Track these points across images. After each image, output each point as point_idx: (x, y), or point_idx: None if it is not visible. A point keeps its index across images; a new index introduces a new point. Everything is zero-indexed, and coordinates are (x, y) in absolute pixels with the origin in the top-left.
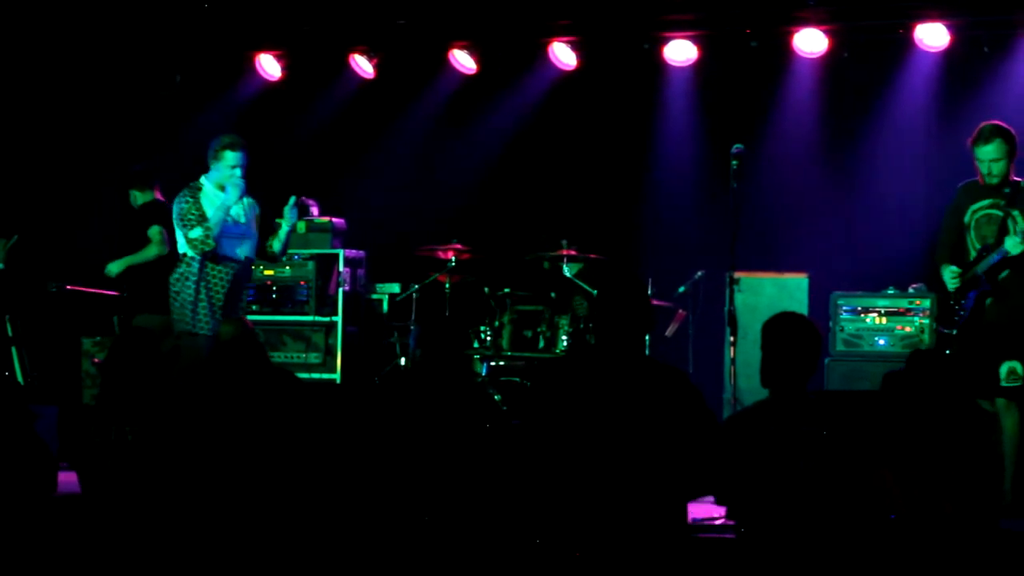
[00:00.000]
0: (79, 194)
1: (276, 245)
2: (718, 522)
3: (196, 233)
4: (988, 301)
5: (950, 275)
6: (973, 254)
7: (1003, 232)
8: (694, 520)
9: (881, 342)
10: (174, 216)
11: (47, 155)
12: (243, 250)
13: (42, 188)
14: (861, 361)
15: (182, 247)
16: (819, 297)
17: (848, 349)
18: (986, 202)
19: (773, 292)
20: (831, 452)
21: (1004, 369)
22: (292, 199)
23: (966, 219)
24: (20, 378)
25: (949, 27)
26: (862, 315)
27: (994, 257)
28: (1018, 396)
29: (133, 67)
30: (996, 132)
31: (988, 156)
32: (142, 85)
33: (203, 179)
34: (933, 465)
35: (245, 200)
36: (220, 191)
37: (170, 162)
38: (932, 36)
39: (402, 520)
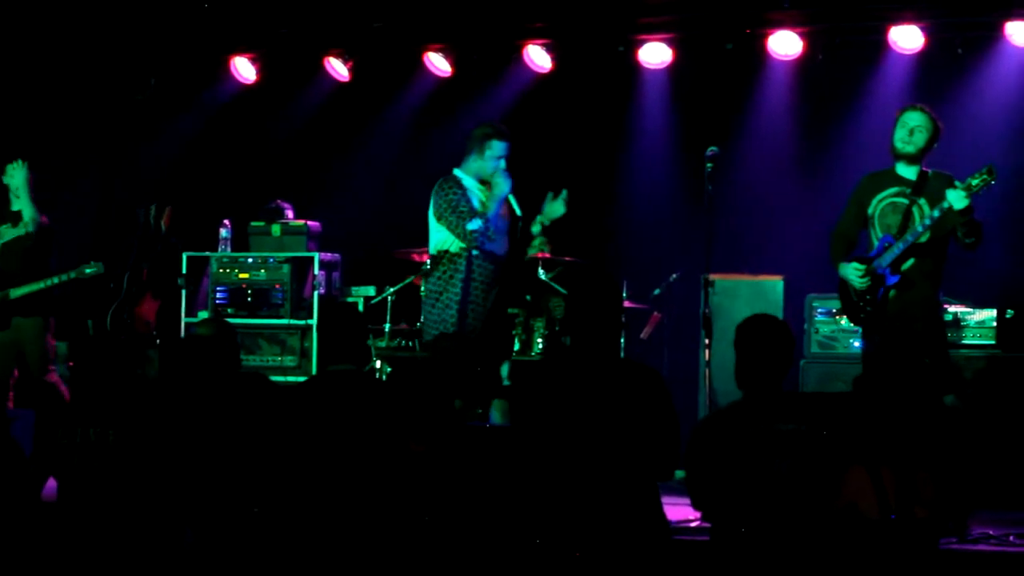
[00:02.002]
0: (52, 198)
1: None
2: (694, 524)
3: (475, 225)
4: (892, 293)
5: (856, 274)
6: (876, 245)
7: (907, 220)
8: (670, 523)
9: (856, 344)
10: (435, 210)
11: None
12: (502, 246)
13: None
14: (836, 363)
15: (442, 244)
16: (794, 299)
17: (823, 351)
18: (892, 190)
19: (748, 294)
20: (805, 452)
21: (949, 400)
22: (564, 192)
23: (870, 210)
24: None
25: (923, 29)
26: (837, 317)
27: (899, 247)
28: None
29: (108, 70)
30: (923, 107)
31: (914, 121)
32: (117, 88)
33: (457, 171)
34: (905, 466)
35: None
36: (480, 184)
37: (145, 165)
38: (906, 38)
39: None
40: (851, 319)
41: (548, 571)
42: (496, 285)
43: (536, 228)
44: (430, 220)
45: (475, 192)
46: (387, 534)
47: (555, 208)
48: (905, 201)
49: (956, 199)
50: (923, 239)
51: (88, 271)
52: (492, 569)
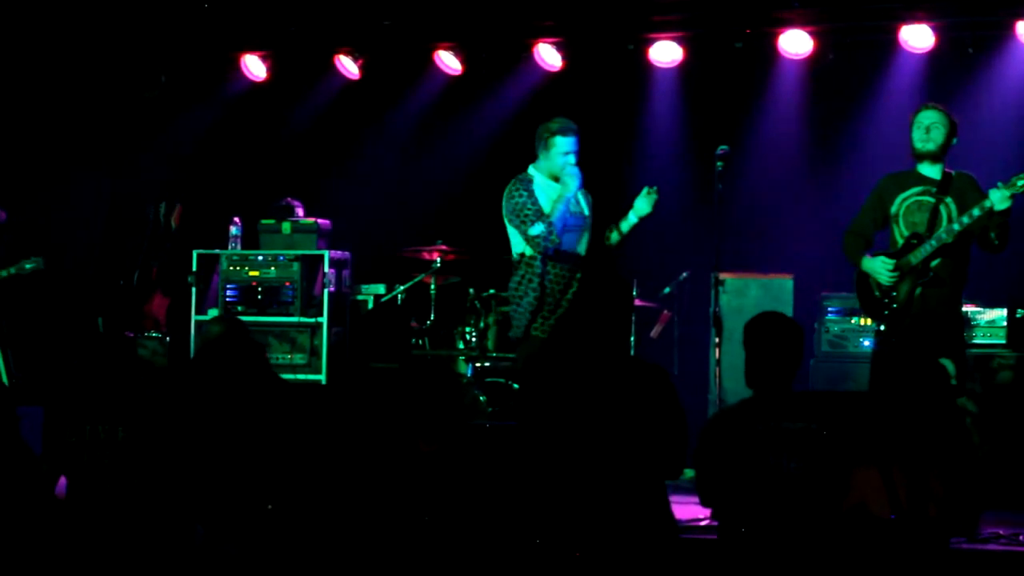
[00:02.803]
0: (63, 195)
1: (615, 237)
2: (703, 523)
3: (537, 230)
4: (918, 291)
5: (885, 267)
6: (901, 243)
7: (935, 219)
8: (679, 521)
9: (866, 343)
10: (506, 213)
11: (31, 156)
12: (583, 245)
13: (26, 188)
14: (846, 362)
15: (519, 247)
16: (804, 298)
17: (833, 350)
18: (917, 189)
19: (758, 293)
20: (814, 451)
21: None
22: (645, 189)
23: (893, 209)
24: (5, 379)
25: (934, 28)
26: (847, 316)
27: (931, 244)
28: (953, 394)
29: (118, 67)
30: (937, 105)
31: (929, 119)
32: (127, 85)
33: (531, 169)
34: (917, 464)
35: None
36: (553, 181)
37: (155, 162)
38: (917, 37)
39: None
40: (872, 316)
41: (556, 570)
42: (573, 285)
43: (615, 236)
44: (505, 223)
45: (546, 190)
46: (397, 533)
47: (643, 206)
48: (931, 200)
49: (999, 199)
50: (950, 241)
51: (28, 266)
52: (501, 568)
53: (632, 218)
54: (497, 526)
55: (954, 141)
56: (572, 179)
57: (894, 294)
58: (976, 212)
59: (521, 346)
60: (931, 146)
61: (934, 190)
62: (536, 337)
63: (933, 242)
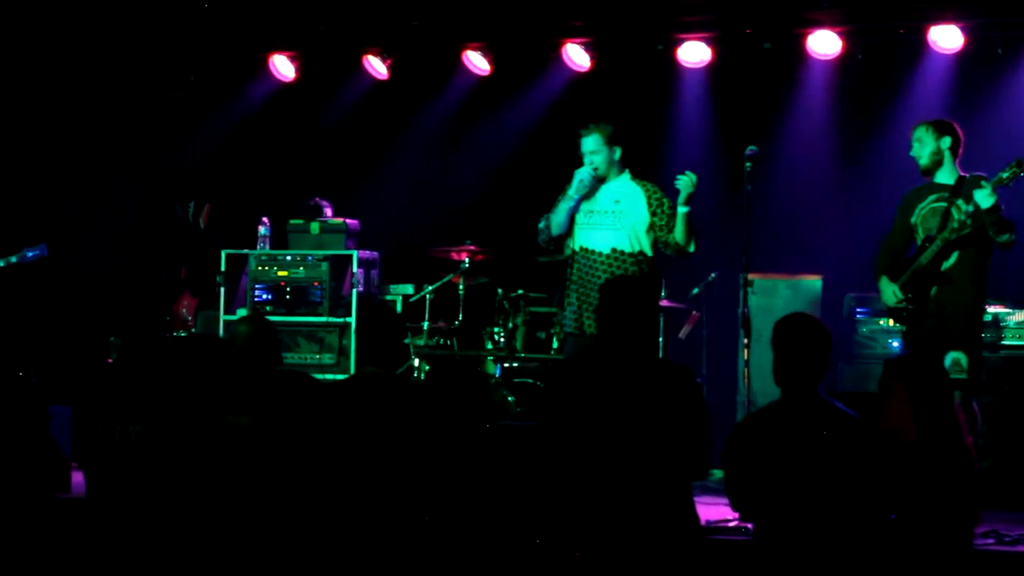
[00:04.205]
0: (91, 194)
1: (669, 237)
2: (732, 524)
3: (541, 224)
4: (933, 291)
5: (889, 290)
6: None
7: (946, 220)
8: (707, 522)
9: (895, 344)
10: None
11: (59, 156)
12: (610, 241)
13: (55, 188)
14: (874, 363)
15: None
16: (833, 299)
17: (862, 351)
18: (932, 197)
19: (787, 294)
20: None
21: (948, 360)
22: (680, 178)
23: (913, 219)
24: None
25: (963, 29)
26: (876, 317)
27: (937, 244)
28: (961, 388)
29: (147, 68)
30: (925, 120)
31: (914, 137)
32: (156, 85)
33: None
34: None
35: (621, 186)
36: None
37: (184, 162)
38: (946, 38)
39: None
40: (895, 319)
41: (577, 570)
42: (598, 283)
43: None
44: None
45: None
46: (415, 534)
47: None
48: (944, 204)
49: (982, 198)
50: (956, 236)
51: (30, 254)
52: (524, 568)
53: (679, 215)
54: (521, 526)
55: (946, 142)
56: (574, 179)
57: (910, 295)
58: (968, 208)
59: (569, 341)
60: (923, 161)
61: (947, 195)
62: (567, 333)
63: (939, 242)
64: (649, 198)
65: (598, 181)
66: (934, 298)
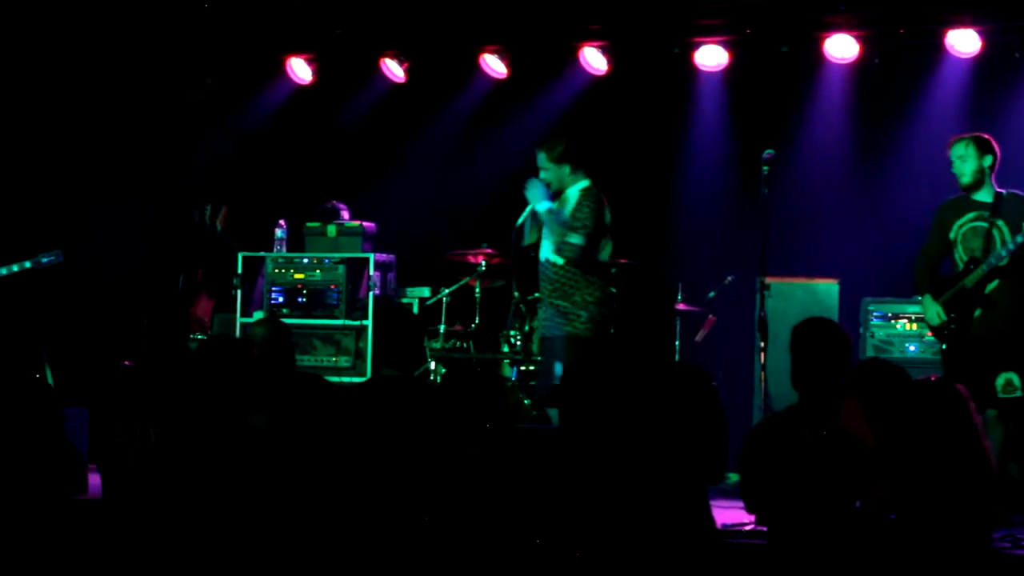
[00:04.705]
0: (108, 197)
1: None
2: (748, 528)
3: None
4: (977, 313)
5: (935, 312)
6: (960, 267)
7: (989, 243)
8: (723, 526)
9: (912, 348)
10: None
11: (76, 159)
12: (544, 251)
13: (72, 191)
14: None
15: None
16: (850, 303)
17: (878, 355)
18: (971, 215)
19: (804, 298)
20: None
21: (1001, 380)
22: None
23: (951, 235)
24: (50, 379)
25: (980, 33)
26: (892, 321)
27: (983, 268)
28: (1013, 408)
29: (164, 70)
30: (965, 135)
31: (956, 154)
32: (173, 88)
33: None
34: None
35: (566, 196)
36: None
37: (201, 164)
38: (963, 42)
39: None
40: (937, 336)
41: (592, 572)
42: (546, 288)
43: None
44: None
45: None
46: (430, 536)
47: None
48: (985, 225)
49: None
50: (1004, 263)
51: (44, 260)
52: (535, 569)
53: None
54: (535, 528)
55: (987, 159)
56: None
57: (954, 315)
58: (1020, 239)
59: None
60: (966, 179)
61: (987, 214)
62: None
63: (984, 267)
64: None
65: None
66: (979, 320)
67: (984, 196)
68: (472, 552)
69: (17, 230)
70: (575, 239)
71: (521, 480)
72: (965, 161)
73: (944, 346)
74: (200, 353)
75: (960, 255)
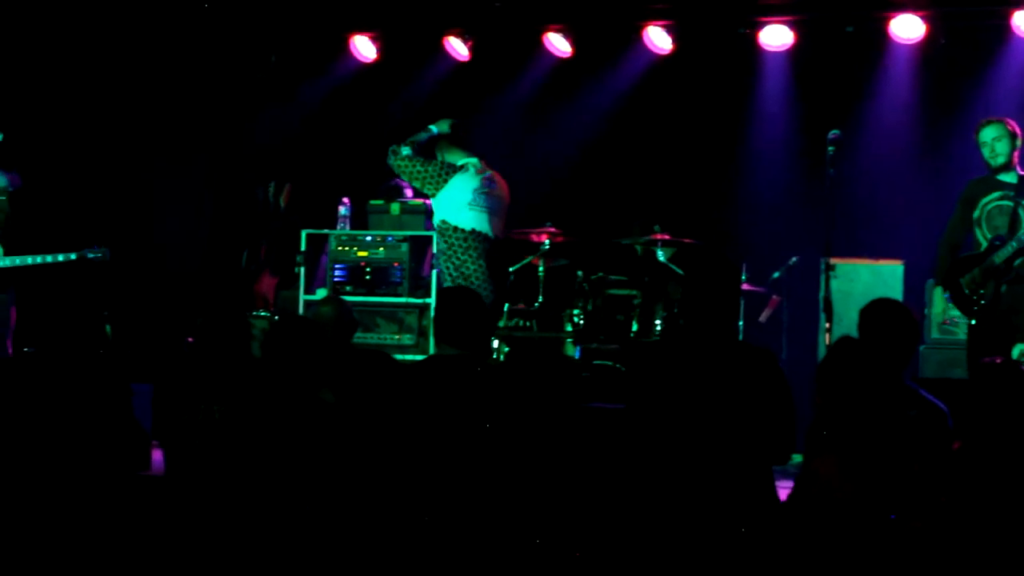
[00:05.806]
0: (172, 175)
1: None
2: None
3: None
4: (1004, 288)
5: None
6: (985, 245)
7: (1015, 221)
8: None
9: None
10: None
11: (142, 137)
12: None
13: (136, 169)
14: (956, 349)
15: None
16: (914, 284)
17: (943, 336)
18: (996, 195)
19: (868, 279)
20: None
21: (1016, 351)
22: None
23: (976, 214)
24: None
25: None
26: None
27: (1012, 245)
28: None
29: (229, 48)
30: (995, 118)
31: (990, 136)
32: (238, 66)
33: None
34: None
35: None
36: None
37: (265, 142)
38: None
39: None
40: (964, 312)
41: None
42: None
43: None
44: None
45: None
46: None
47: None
48: (1011, 204)
49: None
50: None
51: (90, 255)
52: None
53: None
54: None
55: (1018, 141)
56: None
57: (982, 291)
58: None
59: None
60: (1001, 160)
61: (1012, 194)
62: None
63: (1014, 243)
64: None
65: None
66: (1005, 294)
67: (1010, 177)
68: (531, 532)
69: (85, 211)
70: None
71: (586, 460)
72: (1001, 142)
73: (973, 321)
74: (275, 333)
75: (984, 233)
